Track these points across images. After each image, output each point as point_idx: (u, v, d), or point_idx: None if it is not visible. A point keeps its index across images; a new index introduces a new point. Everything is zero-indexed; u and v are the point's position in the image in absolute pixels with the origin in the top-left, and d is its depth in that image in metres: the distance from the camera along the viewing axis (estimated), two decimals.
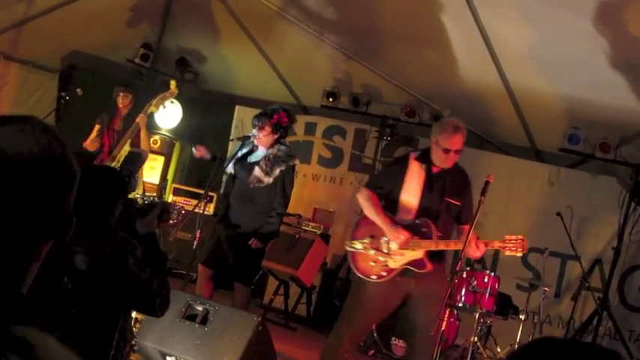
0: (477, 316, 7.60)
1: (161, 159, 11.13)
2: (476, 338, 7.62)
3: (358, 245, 5.75)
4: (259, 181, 6.92)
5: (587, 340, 8.54)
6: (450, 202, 5.61)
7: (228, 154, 8.58)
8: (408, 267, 5.51)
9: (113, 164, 8.27)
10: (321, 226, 9.50)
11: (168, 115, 11.12)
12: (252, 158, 7.09)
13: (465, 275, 7.79)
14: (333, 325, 6.09)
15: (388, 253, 5.57)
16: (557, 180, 9.39)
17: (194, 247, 7.63)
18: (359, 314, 5.78)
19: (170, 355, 5.76)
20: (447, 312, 5.32)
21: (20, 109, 10.08)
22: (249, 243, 6.85)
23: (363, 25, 8.99)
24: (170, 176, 11.22)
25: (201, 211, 7.67)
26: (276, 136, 7.02)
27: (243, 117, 11.23)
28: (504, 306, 8.13)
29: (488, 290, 7.72)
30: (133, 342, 5.09)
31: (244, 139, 7.29)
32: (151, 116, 10.61)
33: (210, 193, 9.51)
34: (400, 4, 8.46)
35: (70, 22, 9.93)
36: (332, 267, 9.92)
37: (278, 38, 10.03)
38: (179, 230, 7.80)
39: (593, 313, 8.58)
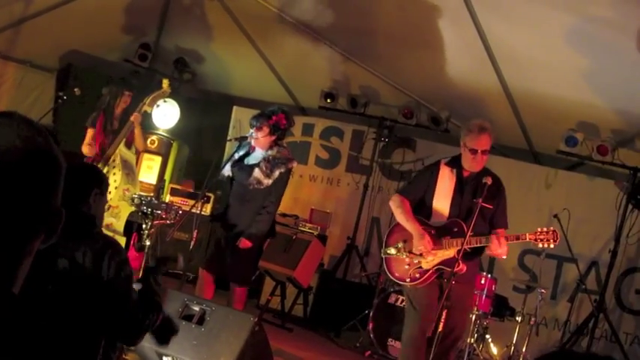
0: (474, 317, 7.62)
1: (158, 159, 11.13)
2: (472, 339, 7.62)
3: (392, 250, 5.89)
4: (259, 182, 6.90)
5: (583, 343, 8.56)
6: (482, 205, 5.61)
7: (226, 155, 8.57)
8: (441, 267, 5.57)
9: (108, 164, 8.24)
10: (318, 227, 9.50)
11: (166, 115, 11.12)
12: (251, 160, 7.07)
13: None
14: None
15: (421, 254, 5.65)
16: (554, 182, 9.40)
17: (191, 247, 7.62)
18: (410, 323, 5.79)
19: (167, 355, 5.75)
20: (445, 313, 5.32)
21: (17, 109, 9.92)
22: (237, 243, 6.85)
23: (362, 27, 8.99)
24: (167, 176, 11.22)
25: (198, 212, 7.67)
26: (273, 138, 7.00)
27: (240, 117, 11.22)
28: (501, 308, 8.16)
29: (484, 292, 7.74)
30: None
31: (241, 140, 7.27)
32: (147, 116, 10.60)
33: (208, 194, 9.52)
34: (398, 6, 8.46)
35: (68, 22, 9.92)
36: (329, 268, 9.92)
37: (276, 39, 10.03)
38: (176, 230, 7.80)
39: (589, 315, 8.59)
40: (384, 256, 6.00)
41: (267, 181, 6.91)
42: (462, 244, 5.39)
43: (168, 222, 7.25)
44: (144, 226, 7.05)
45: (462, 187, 5.73)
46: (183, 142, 11.42)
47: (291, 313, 9.17)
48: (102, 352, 3.46)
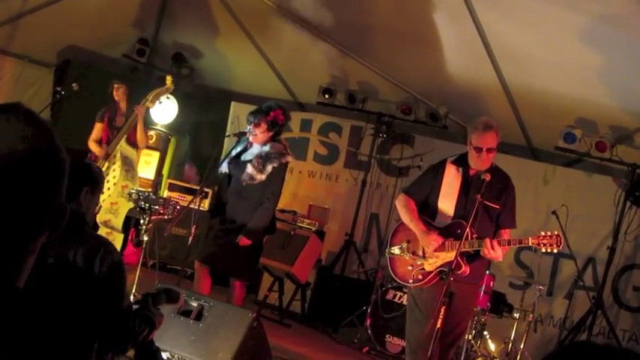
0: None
1: (156, 154, 11.12)
2: (470, 336, 7.63)
3: (396, 250, 5.86)
4: (252, 178, 6.88)
5: (581, 339, 8.56)
6: (488, 204, 5.55)
7: (224, 150, 8.58)
8: (444, 269, 5.52)
9: (108, 161, 8.24)
10: (317, 223, 9.49)
11: (164, 110, 11.11)
12: (247, 156, 7.06)
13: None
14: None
15: (424, 256, 5.62)
16: (552, 178, 9.40)
17: (189, 242, 7.61)
18: (416, 325, 5.74)
19: (164, 351, 5.75)
20: (444, 309, 5.30)
21: None
22: (237, 240, 6.84)
23: (360, 22, 8.98)
24: (165, 172, 11.21)
25: (196, 207, 7.66)
26: (271, 133, 7.00)
27: (239, 113, 11.21)
28: (499, 304, 8.16)
29: (482, 288, 7.73)
30: None
31: (240, 135, 7.27)
32: (147, 112, 10.61)
33: (206, 189, 9.51)
34: (397, 2, 8.45)
35: (66, 17, 9.90)
36: (327, 264, 9.92)
37: (274, 34, 10.01)
38: (174, 226, 7.80)
39: (587, 312, 8.59)
40: (388, 256, 5.95)
41: (261, 177, 6.89)
42: (458, 248, 5.35)
43: (166, 217, 7.26)
44: (142, 221, 7.05)
45: (468, 186, 5.64)
46: (182, 137, 11.40)
47: (289, 308, 9.18)
48: (95, 355, 3.38)
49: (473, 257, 5.54)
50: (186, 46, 10.96)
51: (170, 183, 10.63)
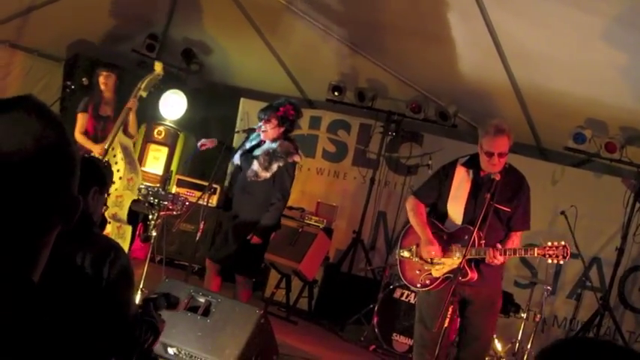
0: None
1: (165, 150, 11.12)
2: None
3: (406, 253, 5.82)
4: (256, 175, 6.90)
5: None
6: (498, 208, 5.46)
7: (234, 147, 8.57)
8: (450, 275, 5.46)
9: (107, 154, 8.21)
10: (324, 220, 9.49)
11: (173, 106, 11.11)
12: (257, 152, 7.07)
13: None
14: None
15: (431, 262, 5.58)
16: (561, 179, 9.37)
17: (197, 238, 7.62)
18: (422, 325, 5.71)
19: (172, 347, 5.76)
20: (451, 309, 5.29)
21: None
22: (248, 238, 6.85)
23: (370, 20, 8.96)
24: (174, 167, 11.21)
25: (204, 203, 7.66)
26: (282, 130, 7.00)
27: (248, 109, 11.22)
28: (506, 304, 8.13)
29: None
30: None
31: (249, 132, 7.29)
32: (153, 105, 10.61)
33: (214, 185, 9.52)
34: (408, 0, 8.43)
35: (76, 11, 9.91)
36: (334, 261, 9.92)
37: (284, 31, 10.00)
38: (182, 221, 7.80)
39: (595, 313, 8.57)
40: (397, 257, 5.91)
41: (265, 175, 6.89)
42: (464, 255, 5.31)
43: (174, 213, 7.26)
44: (150, 216, 7.06)
45: (478, 189, 5.52)
46: (190, 133, 11.40)
47: (296, 306, 9.18)
48: None
49: (483, 261, 5.48)
50: (195, 42, 10.96)
51: (179, 179, 10.63)
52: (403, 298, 8.32)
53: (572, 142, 8.67)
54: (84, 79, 8.98)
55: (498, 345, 8.21)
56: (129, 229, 8.21)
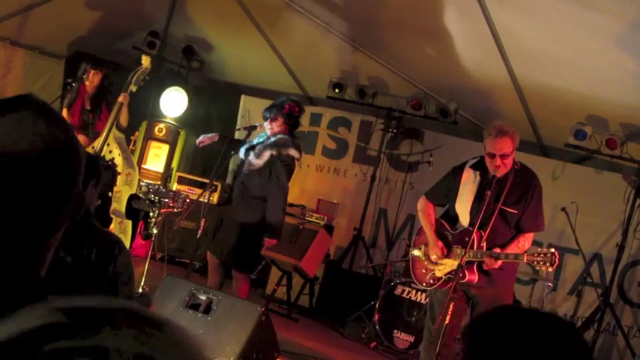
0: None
1: (166, 147, 11.12)
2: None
3: (416, 252, 5.91)
4: (250, 164, 6.90)
5: (588, 336, 8.55)
6: (505, 209, 5.46)
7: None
8: (451, 276, 5.50)
9: (104, 151, 8.21)
10: (325, 218, 9.49)
11: (174, 103, 11.11)
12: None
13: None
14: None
15: (435, 262, 5.63)
16: (561, 175, 9.37)
17: (198, 236, 7.63)
18: (430, 322, 5.78)
19: None
20: (452, 306, 5.30)
21: None
22: (262, 243, 6.86)
23: (371, 17, 8.96)
24: (175, 165, 11.21)
25: (205, 201, 7.66)
26: (288, 126, 7.01)
27: (249, 107, 11.22)
28: None
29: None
30: None
31: (250, 129, 7.31)
32: (154, 103, 10.62)
33: (215, 183, 9.52)
34: None
35: (77, 9, 9.92)
36: (335, 258, 9.92)
37: (285, 28, 10.00)
38: (183, 219, 7.81)
39: (596, 308, 8.59)
40: (410, 255, 6.02)
41: (258, 162, 6.85)
42: (462, 257, 5.34)
43: (175, 210, 7.27)
44: (151, 214, 7.06)
45: (484, 190, 5.48)
46: (191, 130, 11.40)
47: (297, 303, 9.18)
48: None
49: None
50: (196, 39, 10.96)
51: (179, 176, 10.64)
52: (404, 295, 8.33)
53: (572, 139, 8.66)
54: (84, 77, 8.97)
55: None
56: (129, 223, 8.22)
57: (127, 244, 6.92)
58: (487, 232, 5.39)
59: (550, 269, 5.28)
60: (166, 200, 7.00)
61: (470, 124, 10.01)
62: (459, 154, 9.28)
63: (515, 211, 5.49)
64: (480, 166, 5.63)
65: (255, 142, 7.15)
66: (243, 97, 11.48)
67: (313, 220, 9.40)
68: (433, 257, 5.68)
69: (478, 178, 5.59)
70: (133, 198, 8.21)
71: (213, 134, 7.52)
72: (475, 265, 5.45)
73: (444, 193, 5.81)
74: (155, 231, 7.01)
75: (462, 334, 1.70)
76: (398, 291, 8.39)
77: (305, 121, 10.70)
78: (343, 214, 10.30)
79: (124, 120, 8.44)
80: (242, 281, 7.10)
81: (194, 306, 5.84)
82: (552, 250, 5.23)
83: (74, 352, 0.76)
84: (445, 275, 5.59)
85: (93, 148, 7.84)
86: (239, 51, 11.05)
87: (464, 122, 9.94)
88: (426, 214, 5.84)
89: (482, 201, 5.44)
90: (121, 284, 3.29)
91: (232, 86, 11.80)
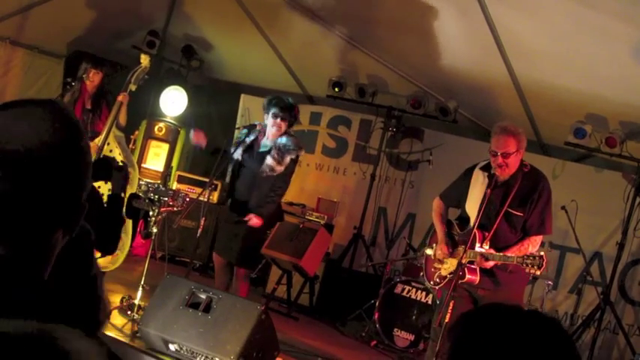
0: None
1: (166, 146, 11.12)
2: None
3: (429, 251, 6.00)
4: (272, 170, 7.06)
5: (589, 335, 8.56)
6: (510, 212, 5.45)
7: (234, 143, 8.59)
8: (451, 275, 5.55)
9: (105, 150, 8.21)
10: (325, 216, 9.50)
11: (174, 102, 11.11)
12: (262, 148, 7.16)
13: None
14: None
15: (441, 261, 5.68)
16: (561, 174, 9.37)
17: (198, 234, 7.63)
18: (435, 318, 5.86)
19: (173, 343, 5.77)
20: (452, 303, 5.31)
21: (25, 95, 10.08)
22: (246, 219, 6.91)
23: (370, 15, 8.96)
24: (175, 164, 11.21)
25: (205, 200, 7.66)
26: (288, 127, 7.18)
27: (249, 106, 11.22)
28: None
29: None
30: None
31: (250, 128, 7.34)
32: (154, 102, 10.60)
33: (215, 182, 9.52)
34: None
35: (76, 8, 9.91)
36: (335, 257, 9.92)
37: (285, 27, 10.00)
38: (183, 218, 7.80)
39: (596, 307, 8.59)
40: (424, 254, 6.11)
41: (280, 168, 7.09)
42: (461, 258, 5.36)
43: (175, 209, 7.27)
44: (151, 213, 7.06)
45: (491, 192, 5.48)
46: (191, 129, 11.39)
47: (297, 301, 9.18)
48: None
49: (499, 265, 5.49)
50: (196, 39, 10.95)
51: (179, 175, 10.64)
52: (404, 294, 8.33)
53: (572, 137, 8.66)
54: (84, 76, 8.98)
55: None
56: (129, 223, 8.22)
57: (128, 244, 6.91)
58: (491, 233, 5.40)
59: (538, 272, 5.25)
60: (166, 199, 7.00)
61: (470, 122, 10.01)
62: (458, 153, 9.31)
63: (521, 214, 5.48)
64: (489, 167, 5.64)
65: (248, 141, 7.19)
66: (242, 96, 11.49)
67: (313, 218, 9.41)
68: (438, 256, 5.74)
69: (486, 179, 5.60)
70: (132, 197, 8.21)
71: (204, 140, 7.62)
72: (465, 266, 5.48)
73: (457, 193, 5.84)
74: (155, 230, 7.00)
75: (447, 333, 1.70)
76: (398, 290, 8.39)
77: (305, 120, 10.72)
78: (343, 213, 10.30)
79: (122, 119, 8.46)
80: (243, 280, 7.17)
81: (194, 305, 5.84)
82: (542, 253, 5.23)
83: None
84: (449, 274, 5.63)
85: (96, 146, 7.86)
86: (238, 50, 11.05)
87: (464, 121, 9.94)
88: (437, 213, 5.94)
89: (488, 202, 5.46)
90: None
91: (232, 85, 11.80)
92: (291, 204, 9.62)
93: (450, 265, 5.66)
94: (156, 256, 8.49)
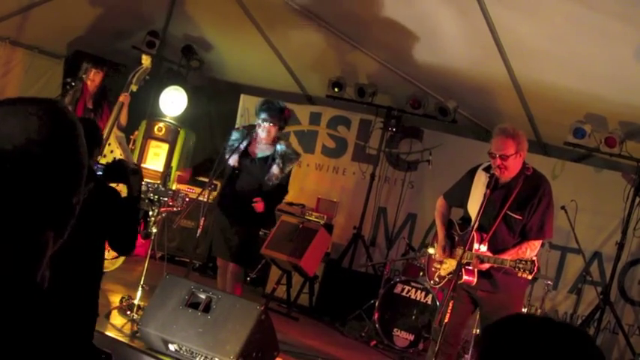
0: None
1: (165, 146, 11.12)
2: (478, 330, 7.62)
3: (431, 250, 6.04)
4: (277, 178, 7.10)
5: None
6: (510, 215, 5.44)
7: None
8: (451, 275, 5.56)
9: (106, 150, 8.22)
10: (325, 216, 9.50)
11: (173, 102, 11.11)
12: (260, 154, 7.18)
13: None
14: None
15: (441, 261, 5.74)
16: (561, 174, 9.37)
17: (197, 235, 7.63)
18: (435, 317, 5.90)
19: (172, 343, 5.77)
20: (451, 304, 5.31)
21: (26, 94, 10.05)
22: (255, 200, 7.04)
23: (370, 16, 8.96)
24: (174, 164, 11.21)
25: (205, 200, 7.66)
26: (278, 132, 7.22)
27: (248, 106, 11.22)
28: None
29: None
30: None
31: (249, 129, 7.34)
32: (153, 102, 10.60)
33: (215, 182, 9.52)
34: None
35: (77, 8, 9.92)
36: (335, 257, 9.92)
37: (284, 27, 10.00)
38: (183, 218, 7.79)
39: (595, 307, 8.59)
40: (427, 253, 6.16)
41: (282, 175, 7.18)
42: (460, 258, 5.37)
43: (174, 209, 7.28)
44: (150, 213, 7.07)
45: (491, 193, 5.46)
46: (191, 129, 11.40)
47: (297, 302, 9.18)
48: None
49: (496, 268, 5.48)
50: (196, 39, 10.96)
51: (179, 175, 10.63)
52: (404, 294, 8.33)
53: (572, 137, 8.66)
54: (84, 76, 8.99)
55: None
56: None
57: None
58: (489, 235, 5.40)
59: (529, 277, 5.23)
60: (166, 199, 7.00)
61: (469, 122, 10.01)
62: (458, 153, 9.32)
63: (520, 217, 5.46)
64: (490, 168, 5.64)
65: (242, 147, 7.20)
66: (242, 96, 11.49)
67: (313, 218, 9.41)
68: (437, 256, 5.76)
69: (487, 180, 5.58)
70: None
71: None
72: (463, 268, 5.49)
73: (460, 193, 5.84)
74: (155, 230, 7.01)
75: (474, 344, 1.69)
76: (398, 289, 8.39)
77: (304, 120, 10.73)
78: (342, 213, 10.30)
79: (123, 119, 8.49)
80: (238, 279, 7.23)
81: (194, 305, 5.84)
82: (534, 258, 5.23)
83: None
84: (448, 275, 5.65)
85: None
86: (238, 50, 11.05)
87: (463, 121, 9.94)
88: (438, 213, 5.96)
89: (488, 203, 5.44)
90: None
91: (232, 85, 11.80)
92: (290, 204, 9.62)
93: (448, 266, 5.68)
94: (155, 256, 8.50)
